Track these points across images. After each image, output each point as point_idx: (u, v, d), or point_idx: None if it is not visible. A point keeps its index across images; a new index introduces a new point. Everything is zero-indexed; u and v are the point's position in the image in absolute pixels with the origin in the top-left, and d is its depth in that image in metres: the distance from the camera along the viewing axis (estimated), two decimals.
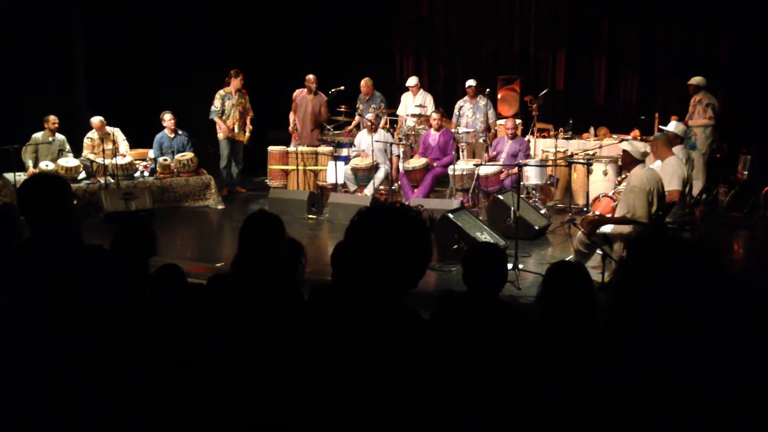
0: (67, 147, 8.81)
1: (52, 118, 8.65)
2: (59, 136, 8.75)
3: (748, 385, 1.63)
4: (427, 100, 9.82)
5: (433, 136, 8.77)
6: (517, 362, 2.30)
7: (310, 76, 9.43)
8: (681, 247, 1.69)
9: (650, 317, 1.63)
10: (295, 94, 9.55)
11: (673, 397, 1.59)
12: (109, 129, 8.87)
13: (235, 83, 9.31)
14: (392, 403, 1.52)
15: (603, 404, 1.65)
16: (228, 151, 9.46)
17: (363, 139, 8.98)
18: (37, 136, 8.61)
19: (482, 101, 9.15)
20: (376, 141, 8.67)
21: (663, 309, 1.62)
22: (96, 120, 8.83)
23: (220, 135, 9.43)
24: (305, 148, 9.28)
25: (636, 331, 1.66)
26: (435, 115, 8.84)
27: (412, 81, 9.89)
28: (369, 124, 8.75)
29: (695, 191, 6.09)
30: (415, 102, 9.78)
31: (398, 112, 10.07)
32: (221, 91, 9.36)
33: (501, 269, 2.94)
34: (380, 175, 8.78)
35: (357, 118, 9.90)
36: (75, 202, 5.09)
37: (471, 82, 9.20)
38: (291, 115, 9.56)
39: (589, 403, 1.69)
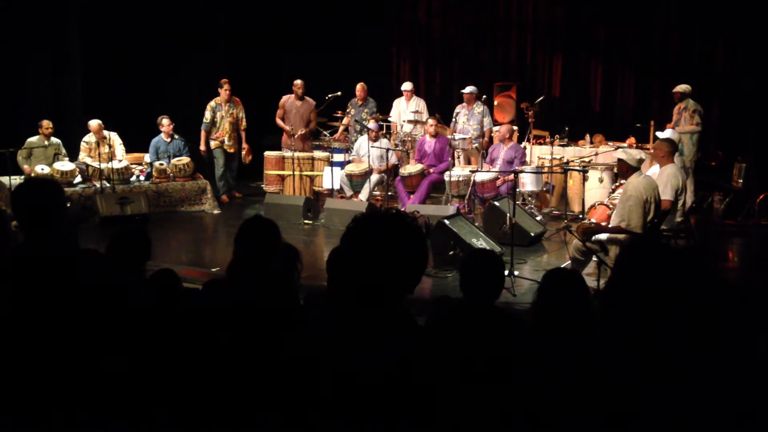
0: (63, 151, 8.80)
1: (46, 122, 8.62)
2: (54, 140, 8.72)
3: (743, 389, 1.63)
4: (421, 105, 9.83)
5: (429, 143, 8.78)
6: (513, 369, 2.30)
7: (298, 81, 9.44)
8: (671, 255, 1.70)
9: (641, 324, 1.64)
10: (282, 100, 9.55)
11: (667, 402, 1.59)
12: (106, 133, 8.86)
13: (222, 94, 9.30)
14: (388, 410, 1.52)
15: (599, 409, 1.65)
16: (223, 160, 9.46)
17: (362, 144, 8.99)
18: (32, 140, 8.59)
19: (478, 108, 9.18)
20: (373, 146, 8.68)
21: (654, 315, 1.63)
22: (94, 123, 8.82)
23: (203, 147, 9.41)
24: (301, 154, 9.29)
25: (627, 336, 1.66)
26: (431, 121, 8.85)
27: (408, 86, 9.90)
28: (372, 132, 8.77)
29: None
30: (409, 108, 9.79)
31: (391, 119, 10.07)
32: (212, 102, 9.36)
33: (498, 276, 2.93)
34: (374, 179, 8.79)
35: (346, 119, 9.90)
36: (68, 204, 5.08)
37: (467, 90, 9.21)
38: (278, 122, 9.56)
39: (585, 409, 1.68)
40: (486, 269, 2.88)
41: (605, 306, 1.74)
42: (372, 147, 8.70)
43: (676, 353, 1.60)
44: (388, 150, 8.68)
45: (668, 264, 1.63)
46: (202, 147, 9.43)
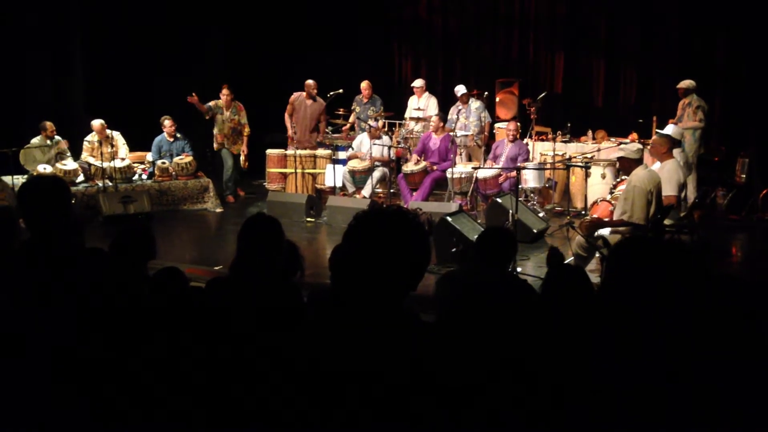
0: (65, 147, 8.80)
1: (50, 125, 8.63)
2: (56, 138, 8.74)
3: (745, 383, 1.63)
4: (430, 103, 9.80)
5: (434, 140, 8.77)
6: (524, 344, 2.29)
7: (310, 82, 9.36)
8: (662, 250, 1.70)
9: (636, 318, 1.64)
10: (292, 97, 9.51)
11: (668, 396, 1.59)
12: (109, 132, 8.87)
13: (223, 99, 9.21)
14: (393, 408, 1.52)
15: (599, 405, 1.66)
16: (231, 161, 9.38)
17: (363, 142, 8.99)
18: (35, 141, 8.61)
19: (474, 104, 9.18)
20: (375, 144, 8.68)
21: (650, 309, 1.63)
22: (97, 123, 8.83)
23: (216, 146, 9.42)
24: (303, 152, 9.28)
25: (624, 331, 1.66)
26: (435, 118, 8.85)
27: (418, 83, 9.88)
28: (371, 129, 8.76)
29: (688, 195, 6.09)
30: (419, 104, 9.78)
31: (406, 115, 10.07)
32: (217, 101, 9.31)
33: (511, 245, 3.35)
34: (376, 175, 8.79)
35: (352, 118, 9.89)
36: (73, 201, 5.09)
37: (458, 92, 9.25)
38: (287, 118, 9.53)
39: (587, 404, 1.69)
40: (502, 241, 3.30)
41: (602, 300, 1.74)
42: (374, 144, 8.71)
43: (675, 347, 1.60)
44: (389, 147, 8.68)
45: (660, 258, 1.63)
46: (217, 145, 9.40)
